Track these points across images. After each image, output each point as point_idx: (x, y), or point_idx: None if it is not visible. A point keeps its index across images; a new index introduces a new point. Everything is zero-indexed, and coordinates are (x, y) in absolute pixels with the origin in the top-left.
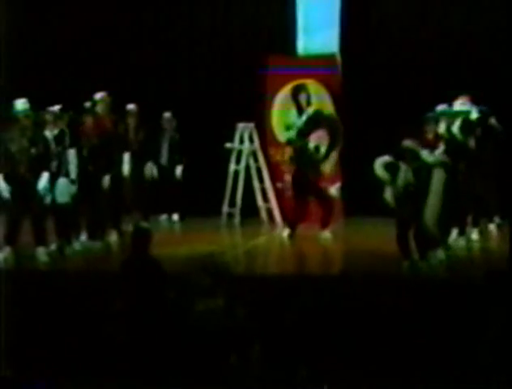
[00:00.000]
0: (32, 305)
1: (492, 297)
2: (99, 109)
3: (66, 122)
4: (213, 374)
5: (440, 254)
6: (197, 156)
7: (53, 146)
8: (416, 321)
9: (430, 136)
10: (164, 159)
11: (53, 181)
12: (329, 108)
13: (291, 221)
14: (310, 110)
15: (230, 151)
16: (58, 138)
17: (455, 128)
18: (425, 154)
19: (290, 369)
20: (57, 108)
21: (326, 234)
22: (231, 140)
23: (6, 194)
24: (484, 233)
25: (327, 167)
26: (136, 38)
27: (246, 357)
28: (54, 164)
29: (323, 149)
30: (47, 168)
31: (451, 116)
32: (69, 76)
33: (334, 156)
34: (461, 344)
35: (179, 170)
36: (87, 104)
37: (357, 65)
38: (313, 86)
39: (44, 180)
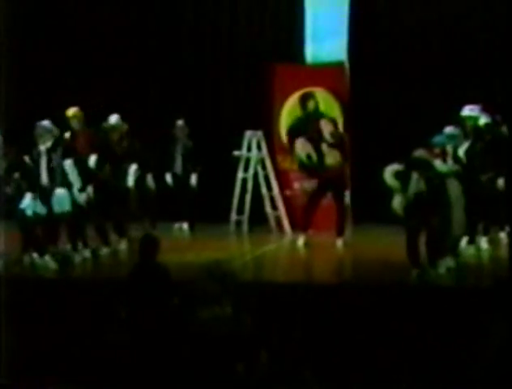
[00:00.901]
0: (38, 312)
1: (502, 305)
2: (73, 124)
3: (57, 135)
4: (219, 382)
5: (449, 262)
6: (205, 163)
7: (44, 159)
8: (424, 329)
9: (438, 151)
10: (178, 167)
11: (45, 194)
12: (337, 115)
13: (302, 224)
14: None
15: (238, 158)
16: (51, 151)
17: (461, 152)
18: (438, 164)
19: (297, 376)
20: (47, 122)
21: (340, 242)
22: (239, 148)
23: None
24: (494, 242)
25: (329, 160)
26: (145, 48)
27: (253, 365)
28: (47, 176)
29: (314, 156)
30: (32, 187)
31: (457, 138)
32: (75, 84)
33: (325, 147)
34: (470, 353)
35: (194, 178)
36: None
37: (366, 73)
38: (321, 94)
39: (27, 200)
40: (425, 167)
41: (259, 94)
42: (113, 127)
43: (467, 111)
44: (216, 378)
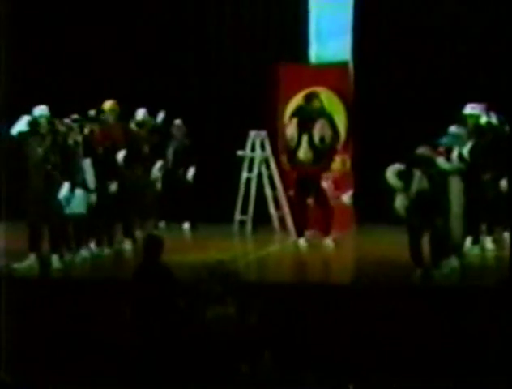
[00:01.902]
0: (41, 311)
1: (506, 305)
2: (108, 118)
3: (79, 133)
4: (223, 382)
5: (453, 262)
6: (209, 163)
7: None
8: (428, 329)
9: (442, 149)
10: (174, 165)
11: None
12: (341, 115)
13: (296, 229)
14: None
15: (242, 158)
16: (74, 149)
17: (465, 151)
18: (441, 161)
19: (300, 376)
20: (70, 118)
21: (328, 241)
22: (243, 148)
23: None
24: (498, 242)
25: (300, 154)
26: (147, 46)
27: (256, 365)
28: (72, 175)
29: (295, 137)
30: (68, 178)
31: (462, 137)
32: (77, 84)
33: (304, 140)
34: (474, 353)
35: (191, 173)
36: (92, 113)
37: (370, 73)
38: (325, 94)
39: (65, 189)
40: (428, 164)
41: (263, 94)
42: (141, 122)
43: (469, 109)
44: (220, 377)
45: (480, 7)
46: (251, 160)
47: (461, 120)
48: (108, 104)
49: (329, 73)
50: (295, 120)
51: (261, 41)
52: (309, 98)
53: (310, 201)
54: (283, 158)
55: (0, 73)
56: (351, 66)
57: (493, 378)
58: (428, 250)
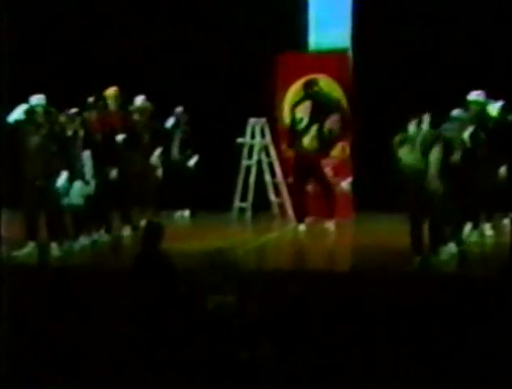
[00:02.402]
0: (41, 299)
1: (505, 292)
2: (110, 104)
3: (80, 124)
4: (224, 370)
5: (451, 248)
6: (208, 150)
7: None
8: (427, 316)
9: None
10: (175, 153)
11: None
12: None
13: (296, 215)
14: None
15: (242, 145)
16: (73, 140)
17: (466, 135)
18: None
19: (300, 365)
20: (72, 110)
21: (330, 224)
22: (242, 135)
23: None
24: (497, 228)
25: (306, 140)
26: (147, 33)
27: (256, 353)
28: (70, 165)
29: (305, 121)
30: (66, 168)
31: (462, 121)
32: (77, 72)
33: (314, 129)
34: (473, 340)
35: (193, 161)
36: (91, 100)
37: (369, 60)
38: (324, 81)
39: (62, 178)
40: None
41: (263, 81)
42: (140, 109)
43: (474, 96)
44: (220, 365)
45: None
46: (251, 148)
47: (465, 105)
48: (110, 91)
49: (328, 60)
50: (309, 104)
51: (260, 29)
52: (309, 85)
53: (310, 187)
54: (283, 143)
55: None
56: (350, 53)
57: (492, 365)
58: (428, 237)
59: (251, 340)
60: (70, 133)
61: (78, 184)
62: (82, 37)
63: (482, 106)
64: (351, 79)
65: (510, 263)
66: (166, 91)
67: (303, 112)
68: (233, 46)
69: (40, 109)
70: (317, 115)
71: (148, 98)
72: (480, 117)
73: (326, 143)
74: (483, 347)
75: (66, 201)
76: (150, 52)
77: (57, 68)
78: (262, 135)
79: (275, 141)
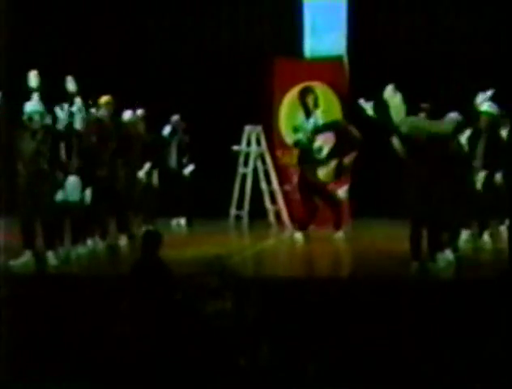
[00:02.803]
0: (39, 308)
1: (502, 298)
2: (103, 112)
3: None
4: (221, 376)
5: (448, 255)
6: (204, 158)
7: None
8: (424, 322)
9: None
10: (173, 162)
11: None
12: (336, 110)
13: (301, 222)
14: (320, 115)
15: (238, 153)
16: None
17: (463, 139)
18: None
19: (298, 370)
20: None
21: (340, 234)
22: (238, 143)
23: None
24: (494, 235)
25: (322, 172)
26: (143, 41)
27: (254, 359)
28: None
29: (325, 151)
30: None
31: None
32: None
33: (333, 163)
34: (470, 346)
35: (188, 170)
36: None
37: (365, 67)
38: (320, 88)
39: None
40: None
41: (258, 88)
42: (132, 121)
43: (481, 98)
44: (218, 372)
45: (476, 5)
46: (247, 155)
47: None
48: (104, 99)
49: (324, 67)
50: (332, 137)
51: (256, 36)
52: (304, 93)
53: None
54: (279, 151)
55: None
56: (345, 60)
57: (491, 370)
58: (426, 243)
59: (249, 347)
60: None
61: (73, 179)
62: (78, 44)
63: (494, 117)
64: (346, 86)
65: (509, 270)
66: (162, 98)
67: (324, 142)
68: (229, 53)
69: (36, 116)
70: (339, 151)
71: (144, 105)
72: (491, 127)
73: (340, 175)
74: (480, 352)
75: (61, 197)
76: (146, 59)
77: (54, 74)
78: (258, 143)
79: (271, 148)
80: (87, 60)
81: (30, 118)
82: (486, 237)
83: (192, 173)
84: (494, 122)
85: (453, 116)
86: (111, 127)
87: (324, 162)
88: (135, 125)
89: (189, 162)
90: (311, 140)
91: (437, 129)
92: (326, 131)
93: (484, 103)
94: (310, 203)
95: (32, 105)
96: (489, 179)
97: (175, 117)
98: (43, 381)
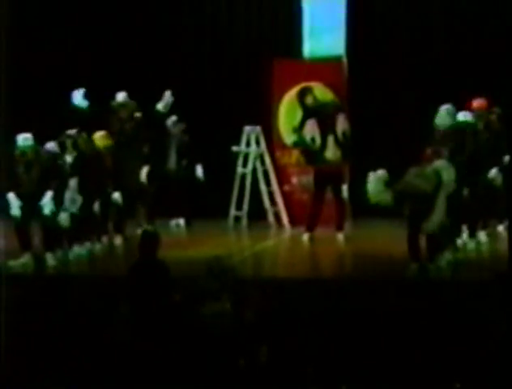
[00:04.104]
0: (38, 309)
1: (501, 298)
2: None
3: (71, 150)
4: (221, 378)
5: (448, 256)
6: (203, 159)
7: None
8: (423, 323)
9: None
10: (172, 163)
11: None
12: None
13: (308, 224)
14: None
15: (237, 154)
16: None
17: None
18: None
19: (298, 372)
20: (65, 134)
21: (341, 235)
22: (237, 143)
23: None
24: (493, 235)
25: (328, 154)
26: (141, 42)
27: (254, 360)
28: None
29: (318, 139)
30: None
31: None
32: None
33: (331, 141)
34: (469, 346)
35: (200, 170)
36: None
37: (364, 67)
38: (319, 89)
39: (47, 198)
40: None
41: (257, 89)
42: (122, 105)
43: (462, 117)
44: (217, 373)
45: (474, 4)
46: (246, 156)
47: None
48: (98, 135)
49: (323, 68)
50: (312, 122)
51: (255, 37)
52: (303, 93)
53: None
54: (278, 151)
55: None
56: (345, 61)
57: (490, 370)
58: (425, 244)
59: (248, 348)
60: (60, 161)
61: (72, 193)
62: (73, 43)
63: (472, 127)
64: (345, 87)
65: (508, 270)
66: (160, 98)
67: (311, 131)
68: (228, 54)
69: (28, 150)
70: (326, 126)
71: (143, 107)
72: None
73: (346, 148)
74: (480, 353)
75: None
76: (144, 60)
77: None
78: (257, 143)
79: (270, 149)
80: (87, 56)
81: (23, 153)
82: (484, 237)
83: (203, 173)
84: (474, 129)
85: (446, 108)
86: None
87: (323, 146)
88: (126, 108)
89: (191, 162)
90: (301, 137)
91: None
92: (305, 122)
93: (460, 115)
94: (320, 199)
95: (23, 138)
96: (483, 180)
97: (173, 118)
98: (41, 382)
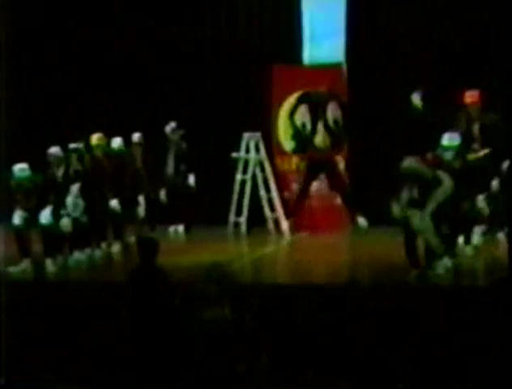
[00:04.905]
0: (37, 314)
1: (500, 304)
2: (97, 151)
3: (77, 163)
4: (220, 383)
5: (447, 262)
6: (203, 165)
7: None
8: (423, 330)
9: (430, 157)
10: (170, 169)
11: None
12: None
13: (290, 211)
14: None
15: (236, 160)
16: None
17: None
18: (427, 171)
19: (297, 377)
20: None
21: (362, 220)
22: (237, 150)
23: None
24: (492, 242)
25: (317, 141)
26: (140, 48)
27: (253, 366)
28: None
29: (308, 125)
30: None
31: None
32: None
33: (320, 127)
34: (469, 352)
35: (192, 179)
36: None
37: (364, 73)
38: (319, 95)
39: (46, 215)
40: (415, 176)
41: (257, 95)
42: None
43: (447, 141)
44: (216, 379)
45: (478, 7)
46: (245, 162)
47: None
48: (95, 137)
49: (323, 74)
50: (304, 107)
51: (255, 43)
52: (303, 99)
53: (312, 202)
54: (278, 158)
55: None
56: (344, 67)
57: (490, 376)
58: (423, 251)
59: (247, 353)
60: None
61: (74, 199)
62: (72, 51)
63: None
64: (345, 93)
65: (508, 276)
66: (159, 105)
67: (302, 117)
68: (227, 60)
69: (25, 180)
70: (317, 112)
71: (142, 113)
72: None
73: (336, 136)
74: (482, 358)
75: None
76: (144, 66)
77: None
78: (257, 150)
79: (270, 156)
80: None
81: (19, 184)
82: (481, 243)
83: (195, 181)
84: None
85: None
86: (106, 162)
87: (313, 132)
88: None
89: (188, 170)
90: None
91: None
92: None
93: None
94: (305, 190)
95: (19, 169)
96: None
97: (172, 125)
98: (41, 387)
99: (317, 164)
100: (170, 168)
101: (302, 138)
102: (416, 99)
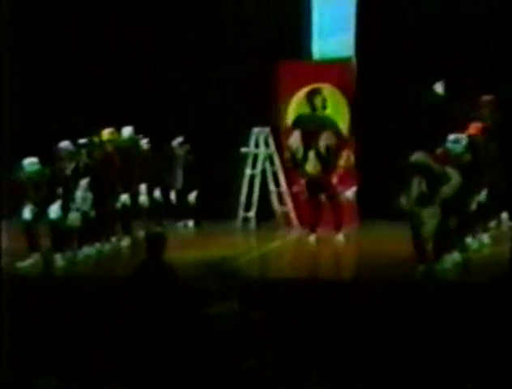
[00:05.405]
0: (44, 309)
1: (506, 300)
2: (108, 146)
3: (86, 158)
4: (226, 379)
5: (456, 257)
6: (212, 160)
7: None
8: (430, 324)
9: (440, 152)
10: (178, 184)
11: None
12: (344, 111)
13: (310, 224)
14: None
15: (246, 155)
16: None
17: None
18: (437, 166)
19: (303, 373)
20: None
21: (340, 237)
22: (246, 144)
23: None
24: (494, 237)
25: (308, 167)
26: (148, 45)
27: (260, 362)
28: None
29: (300, 151)
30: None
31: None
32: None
33: (311, 155)
34: (476, 347)
35: (193, 196)
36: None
37: (373, 68)
38: (328, 90)
39: (56, 207)
40: (424, 170)
41: (266, 90)
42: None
43: (451, 143)
44: (223, 374)
45: (484, 4)
46: (255, 157)
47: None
48: (105, 133)
49: (332, 69)
50: (298, 132)
51: (263, 38)
52: (312, 94)
53: (322, 198)
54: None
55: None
56: (353, 61)
57: (496, 372)
58: (431, 246)
59: (254, 349)
60: (68, 171)
61: (74, 214)
62: (76, 62)
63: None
64: (354, 88)
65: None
66: (166, 100)
67: (295, 141)
68: (237, 55)
69: (35, 174)
70: (309, 141)
71: (148, 111)
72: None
73: (327, 162)
74: (487, 354)
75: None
76: (150, 62)
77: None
78: (266, 144)
79: (279, 150)
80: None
81: (29, 178)
82: (486, 238)
83: (196, 198)
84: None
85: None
86: (116, 157)
87: (304, 158)
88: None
89: (196, 182)
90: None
91: None
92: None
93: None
94: (315, 202)
95: (29, 163)
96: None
97: (178, 140)
98: (46, 383)
99: (315, 185)
100: (179, 182)
101: (296, 162)
102: (439, 88)
